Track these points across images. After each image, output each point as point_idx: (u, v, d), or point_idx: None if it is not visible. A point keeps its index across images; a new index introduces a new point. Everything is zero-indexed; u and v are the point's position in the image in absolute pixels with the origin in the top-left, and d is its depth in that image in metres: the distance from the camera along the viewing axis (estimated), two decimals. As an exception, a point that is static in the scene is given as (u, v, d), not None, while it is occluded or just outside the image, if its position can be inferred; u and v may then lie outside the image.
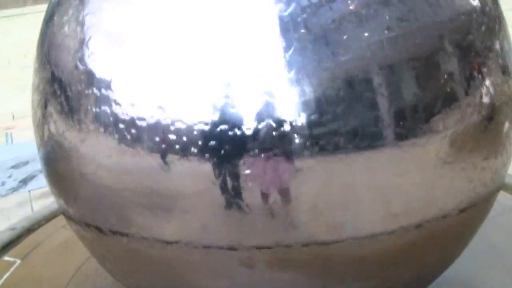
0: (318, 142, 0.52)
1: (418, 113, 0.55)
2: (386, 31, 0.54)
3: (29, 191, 1.69)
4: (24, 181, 1.80)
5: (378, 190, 0.55)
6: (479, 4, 0.61)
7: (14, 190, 1.74)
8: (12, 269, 1.15)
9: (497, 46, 0.63)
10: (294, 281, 0.59)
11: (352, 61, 0.53)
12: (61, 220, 1.24)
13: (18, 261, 1.20)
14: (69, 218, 0.69)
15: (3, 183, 1.80)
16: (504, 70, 0.63)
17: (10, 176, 1.86)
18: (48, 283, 1.04)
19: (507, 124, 0.63)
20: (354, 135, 0.53)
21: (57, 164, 0.66)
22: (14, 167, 1.95)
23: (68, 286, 0.99)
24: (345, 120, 0.53)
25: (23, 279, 1.11)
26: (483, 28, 0.61)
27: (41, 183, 1.72)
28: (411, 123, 0.55)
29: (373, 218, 0.56)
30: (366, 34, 0.54)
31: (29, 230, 1.26)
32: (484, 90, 0.59)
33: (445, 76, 0.56)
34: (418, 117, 0.55)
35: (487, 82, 0.60)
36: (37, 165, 1.87)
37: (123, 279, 0.74)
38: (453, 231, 0.64)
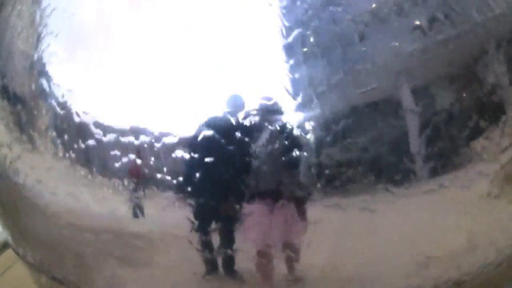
0: (333, 181, 0.40)
1: (458, 139, 0.43)
2: (416, 39, 0.42)
3: None
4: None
5: (409, 239, 0.43)
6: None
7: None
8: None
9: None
10: None
11: (374, 76, 0.41)
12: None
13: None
14: (19, 256, 0.57)
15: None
16: None
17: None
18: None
19: None
20: (378, 170, 0.41)
21: (1, 189, 0.54)
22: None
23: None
24: (367, 151, 0.41)
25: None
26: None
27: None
28: (449, 152, 0.43)
29: (403, 275, 0.44)
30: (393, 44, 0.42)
31: (5, 245, 1.12)
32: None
33: (492, 92, 0.44)
34: (458, 144, 0.43)
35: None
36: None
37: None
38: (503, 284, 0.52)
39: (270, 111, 0.40)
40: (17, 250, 0.56)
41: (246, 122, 0.40)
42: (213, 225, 0.41)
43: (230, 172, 0.40)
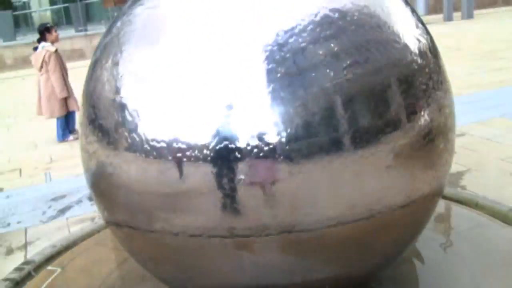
0: (295, 152, 0.73)
1: (372, 131, 0.76)
2: (345, 72, 0.75)
3: (66, 218, 1.93)
4: (62, 211, 2.04)
5: (340, 187, 0.76)
6: (423, 53, 0.81)
7: (53, 218, 1.97)
8: (53, 275, 1.38)
9: (435, 86, 0.82)
10: (277, 264, 0.78)
11: (320, 92, 0.74)
12: (93, 239, 1.48)
13: (59, 270, 1.42)
14: (108, 222, 0.92)
15: (44, 213, 2.05)
16: (439, 105, 0.83)
17: (50, 207, 2.10)
18: (83, 287, 1.28)
19: (440, 146, 0.84)
20: (324, 145, 0.74)
21: (97, 179, 0.88)
22: (53, 199, 2.20)
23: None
24: (315, 135, 0.74)
25: (63, 284, 1.33)
26: (426, 72, 0.81)
27: (77, 212, 1.99)
28: (366, 136, 0.76)
29: (335, 210, 0.76)
30: (331, 74, 0.75)
31: (67, 247, 1.49)
32: (423, 118, 0.79)
33: (393, 106, 0.77)
34: (372, 133, 0.76)
35: (426, 112, 0.79)
36: (73, 197, 2.14)
37: (152, 269, 0.94)
38: (400, 222, 0.83)
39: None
40: (108, 218, 0.91)
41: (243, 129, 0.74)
42: (227, 177, 0.75)
43: (236, 150, 0.75)
